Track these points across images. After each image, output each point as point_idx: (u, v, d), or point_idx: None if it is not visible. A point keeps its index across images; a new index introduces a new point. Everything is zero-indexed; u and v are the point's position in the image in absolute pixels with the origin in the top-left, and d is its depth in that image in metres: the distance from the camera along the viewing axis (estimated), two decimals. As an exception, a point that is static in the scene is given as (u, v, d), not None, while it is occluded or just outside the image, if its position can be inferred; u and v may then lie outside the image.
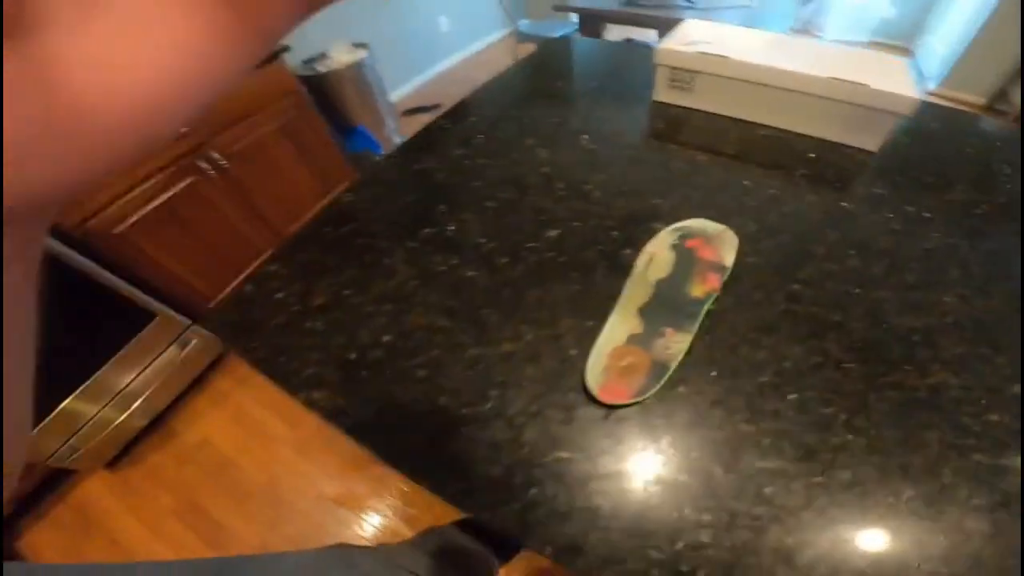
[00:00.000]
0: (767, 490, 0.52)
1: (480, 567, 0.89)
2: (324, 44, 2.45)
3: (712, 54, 0.90)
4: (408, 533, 1.47)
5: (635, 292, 0.64)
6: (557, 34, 2.92)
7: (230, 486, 1.60)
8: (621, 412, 0.57)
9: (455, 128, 0.97)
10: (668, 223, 0.73)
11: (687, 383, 0.59)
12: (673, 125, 0.95)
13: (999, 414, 0.56)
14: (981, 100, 3.13)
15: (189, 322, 1.67)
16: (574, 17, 3.18)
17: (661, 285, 0.64)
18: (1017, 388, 0.58)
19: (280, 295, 0.71)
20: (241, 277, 1.82)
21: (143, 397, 1.60)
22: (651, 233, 0.72)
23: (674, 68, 0.95)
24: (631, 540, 0.49)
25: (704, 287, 0.64)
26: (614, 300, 0.65)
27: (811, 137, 0.91)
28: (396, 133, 2.71)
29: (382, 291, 0.70)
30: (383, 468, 1.58)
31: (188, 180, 1.56)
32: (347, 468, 1.61)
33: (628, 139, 0.93)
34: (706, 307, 0.63)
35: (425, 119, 0.95)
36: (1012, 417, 0.56)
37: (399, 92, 3.54)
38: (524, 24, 3.30)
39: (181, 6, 0.11)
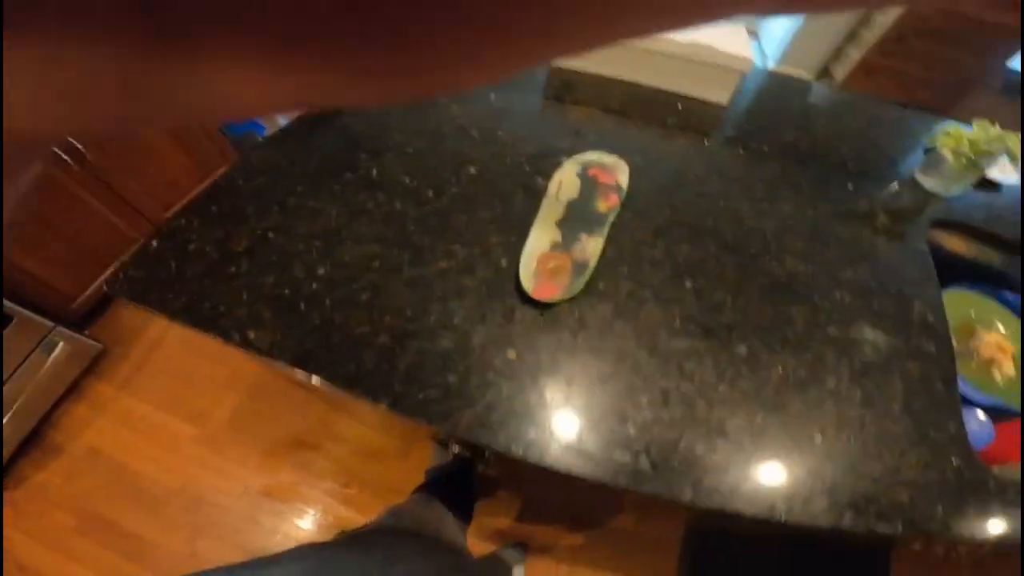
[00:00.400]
0: (687, 367, 0.62)
1: (451, 534, 0.89)
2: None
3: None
4: (350, 516, 1.44)
5: (551, 210, 0.72)
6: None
7: (138, 495, 1.45)
8: (555, 310, 0.64)
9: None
10: (571, 156, 0.82)
11: (605, 280, 0.68)
12: (566, 85, 1.05)
13: (840, 293, 0.72)
14: (809, 76, 3.76)
15: (52, 325, 1.47)
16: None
17: (572, 204, 0.73)
18: (849, 273, 0.75)
19: (194, 246, 0.68)
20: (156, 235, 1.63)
21: (9, 411, 1.39)
22: (557, 165, 0.80)
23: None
24: (588, 427, 0.56)
25: (607, 204, 0.74)
26: (533, 218, 0.72)
27: (678, 93, 1.05)
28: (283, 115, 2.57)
29: (309, 230, 0.70)
30: (307, 452, 1.52)
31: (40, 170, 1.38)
32: (268, 457, 1.52)
33: (531, 97, 1.01)
34: (611, 219, 0.72)
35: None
36: (851, 296, 0.72)
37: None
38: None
39: None
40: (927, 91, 3.06)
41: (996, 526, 0.56)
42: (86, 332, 1.62)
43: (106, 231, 1.60)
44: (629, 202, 0.78)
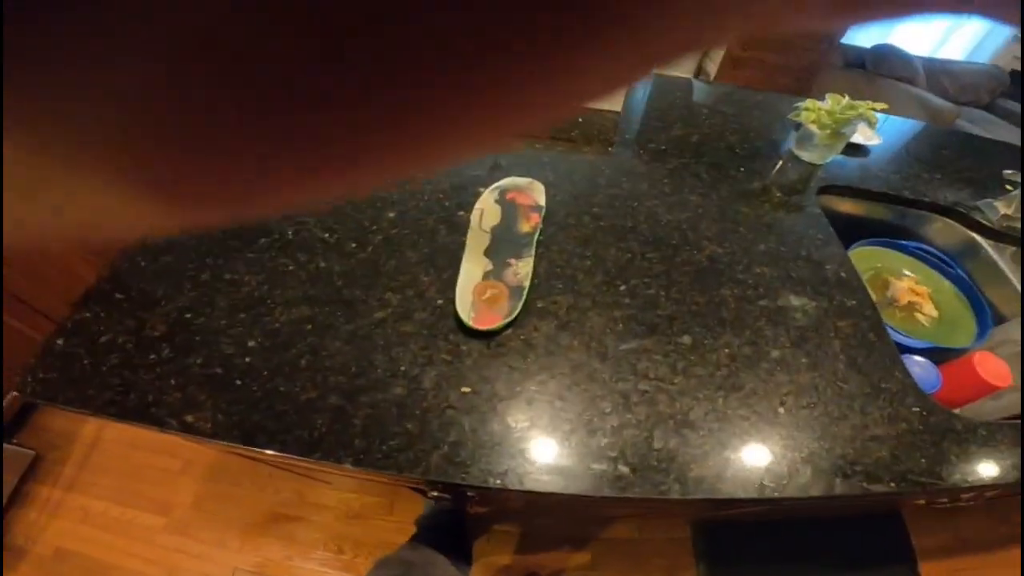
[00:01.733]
0: (640, 366, 0.59)
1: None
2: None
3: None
4: None
5: (477, 240, 0.68)
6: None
7: (125, 589, 1.27)
8: (499, 337, 0.60)
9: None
10: (487, 186, 0.79)
11: (542, 298, 0.64)
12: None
13: (759, 267, 0.73)
14: (688, 74, 4.02)
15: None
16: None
17: (496, 230, 0.69)
18: (762, 247, 0.76)
19: (105, 338, 0.59)
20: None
21: None
22: (476, 195, 0.77)
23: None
24: (559, 445, 0.52)
25: (530, 224, 0.71)
26: (461, 251, 0.68)
27: (574, 108, 1.06)
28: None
29: (230, 304, 0.62)
30: (289, 525, 1.39)
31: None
32: (249, 534, 1.37)
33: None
34: (536, 238, 0.69)
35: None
36: (769, 268, 0.72)
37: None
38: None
39: None
40: (786, 76, 3.41)
41: (984, 468, 0.56)
42: (14, 441, 1.45)
43: (7, 336, 1.40)
44: (551, 218, 0.75)
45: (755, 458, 0.53)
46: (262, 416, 0.53)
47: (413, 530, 1.20)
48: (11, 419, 1.48)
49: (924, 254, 0.90)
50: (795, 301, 0.68)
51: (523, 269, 0.64)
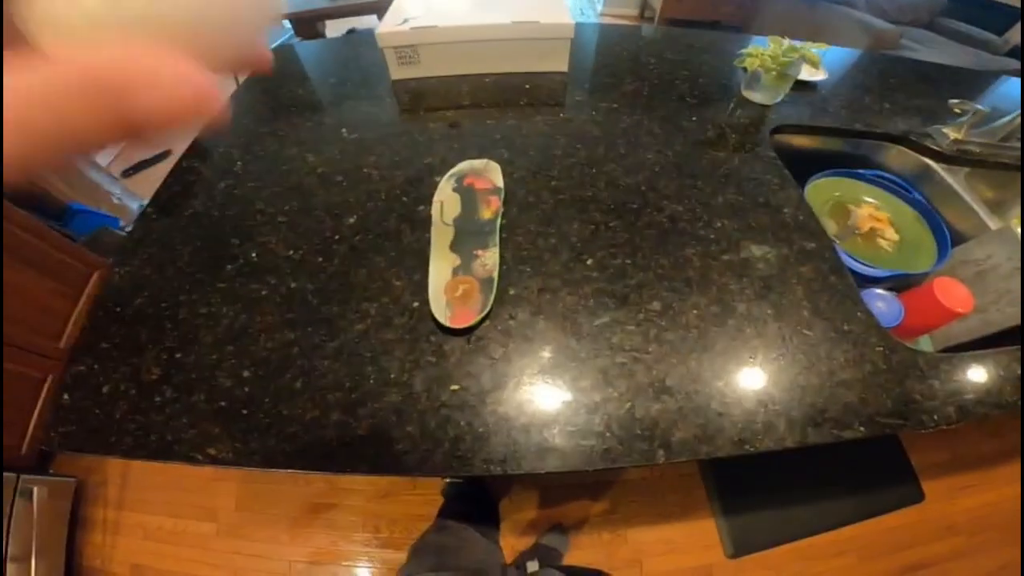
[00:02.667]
0: (614, 340, 0.60)
1: (475, 551, 0.85)
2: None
3: (423, 26, 0.94)
4: (395, 556, 1.39)
5: (441, 235, 0.67)
6: (273, 45, 2.64)
7: (201, 595, 1.35)
8: (478, 331, 0.60)
9: (207, 164, 0.86)
10: (443, 173, 0.77)
11: (513, 285, 0.64)
12: (415, 96, 0.98)
13: (720, 220, 0.72)
14: (635, 12, 3.86)
15: (16, 476, 1.32)
16: (286, 24, 2.90)
17: (458, 222, 0.68)
18: (720, 199, 0.75)
19: (107, 388, 0.58)
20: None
21: (33, 558, 1.26)
22: (434, 186, 0.75)
23: (397, 47, 0.96)
24: (548, 426, 0.54)
25: (490, 210, 0.70)
26: (427, 249, 0.67)
27: (521, 72, 1.01)
28: (130, 197, 2.14)
29: (215, 338, 0.62)
30: (327, 513, 1.46)
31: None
32: (294, 527, 1.44)
33: (383, 119, 0.93)
34: (498, 223, 0.69)
35: (162, 169, 0.82)
36: (729, 220, 0.72)
37: (107, 153, 2.63)
38: (233, 46, 2.84)
39: None
40: (729, 4, 3.35)
41: (948, 404, 0.57)
42: (51, 472, 1.50)
43: (8, 379, 1.39)
44: (511, 198, 0.74)
45: (731, 415, 0.55)
46: (276, 440, 0.54)
47: (440, 500, 1.25)
48: (39, 454, 1.49)
49: (882, 180, 0.90)
50: (757, 251, 0.69)
51: (490, 260, 0.64)
